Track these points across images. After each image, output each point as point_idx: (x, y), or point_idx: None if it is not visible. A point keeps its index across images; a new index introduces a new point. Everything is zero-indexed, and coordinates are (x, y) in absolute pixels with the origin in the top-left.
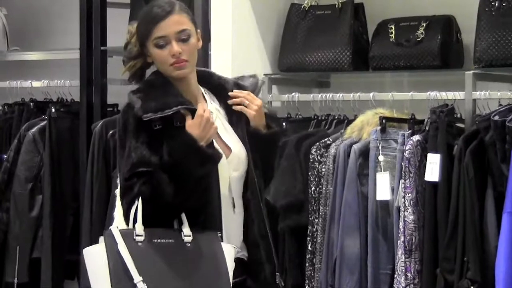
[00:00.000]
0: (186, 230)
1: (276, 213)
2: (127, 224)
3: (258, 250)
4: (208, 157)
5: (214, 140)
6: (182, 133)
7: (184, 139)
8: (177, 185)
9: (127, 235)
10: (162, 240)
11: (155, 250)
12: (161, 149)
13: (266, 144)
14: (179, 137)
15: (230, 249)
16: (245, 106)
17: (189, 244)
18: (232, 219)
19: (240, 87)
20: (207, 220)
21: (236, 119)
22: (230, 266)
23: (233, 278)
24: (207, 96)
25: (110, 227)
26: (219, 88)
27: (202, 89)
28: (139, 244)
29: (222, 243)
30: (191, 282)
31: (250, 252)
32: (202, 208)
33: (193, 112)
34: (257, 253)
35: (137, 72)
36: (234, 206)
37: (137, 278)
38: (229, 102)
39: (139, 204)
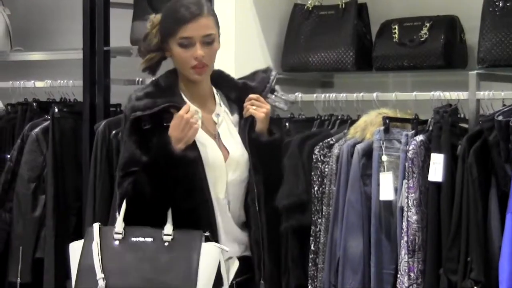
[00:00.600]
0: (167, 229)
1: (280, 213)
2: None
3: (253, 255)
4: (179, 159)
5: (215, 143)
6: (164, 133)
7: (159, 140)
8: (157, 186)
9: (107, 232)
10: (141, 239)
11: (129, 249)
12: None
13: (267, 150)
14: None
15: (213, 249)
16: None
17: (167, 243)
18: (230, 221)
19: (247, 88)
20: (198, 221)
21: (244, 123)
22: (211, 266)
23: (236, 277)
24: (217, 97)
25: (93, 224)
26: (229, 90)
27: (215, 91)
28: (115, 242)
29: (204, 243)
30: (157, 281)
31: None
32: (191, 209)
33: None
34: (253, 258)
35: (153, 65)
36: (229, 209)
37: (99, 275)
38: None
39: (123, 202)
